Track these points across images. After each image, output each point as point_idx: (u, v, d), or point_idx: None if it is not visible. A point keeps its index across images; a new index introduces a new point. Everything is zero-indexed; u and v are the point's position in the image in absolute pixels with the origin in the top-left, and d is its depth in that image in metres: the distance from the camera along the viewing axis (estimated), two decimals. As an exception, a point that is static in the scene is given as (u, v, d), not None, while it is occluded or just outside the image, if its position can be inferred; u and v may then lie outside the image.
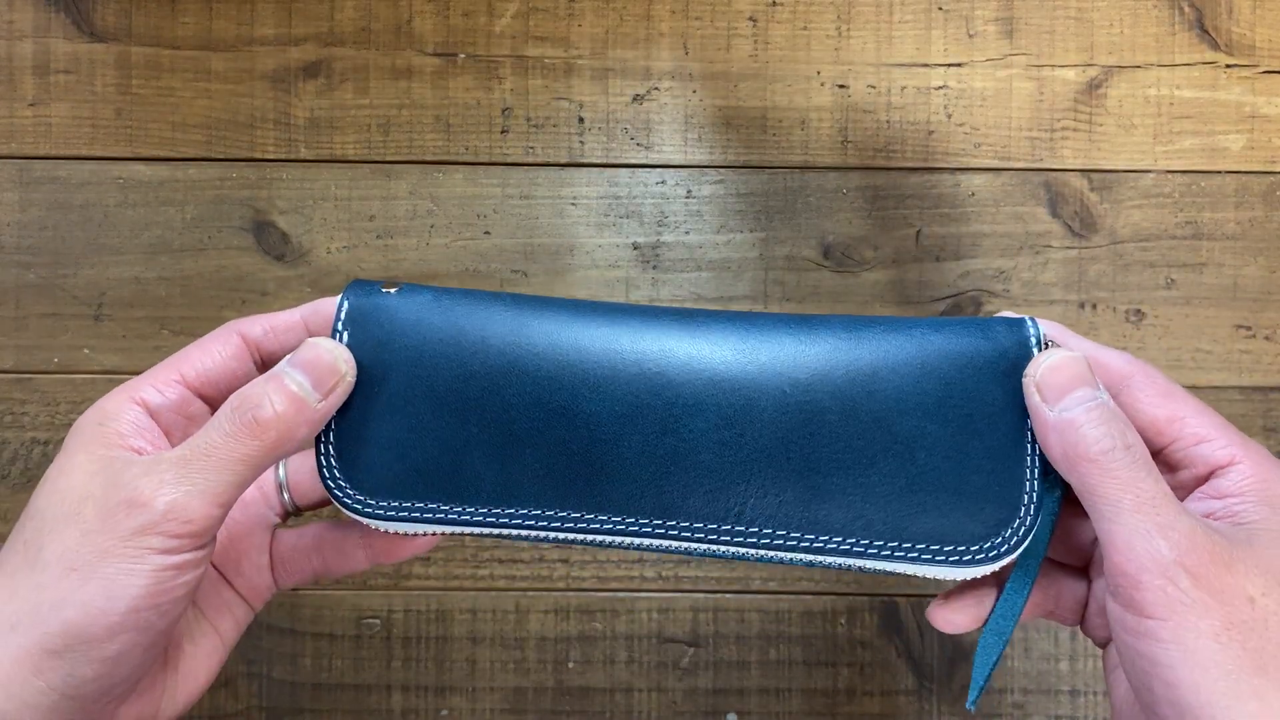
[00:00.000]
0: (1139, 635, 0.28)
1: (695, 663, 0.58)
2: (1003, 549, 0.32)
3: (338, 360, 0.33)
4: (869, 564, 0.33)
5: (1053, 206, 0.58)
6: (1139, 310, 0.58)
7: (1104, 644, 0.35)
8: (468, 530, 0.34)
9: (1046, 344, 0.33)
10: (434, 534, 0.35)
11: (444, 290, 0.35)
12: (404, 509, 0.33)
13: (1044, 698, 0.57)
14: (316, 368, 0.32)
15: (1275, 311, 0.58)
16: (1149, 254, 0.58)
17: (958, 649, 0.57)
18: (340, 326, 0.34)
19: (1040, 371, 0.32)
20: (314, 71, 0.59)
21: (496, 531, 0.34)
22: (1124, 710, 0.33)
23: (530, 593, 0.58)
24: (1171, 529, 0.28)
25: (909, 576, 0.33)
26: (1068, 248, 0.58)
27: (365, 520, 0.34)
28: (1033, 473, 0.32)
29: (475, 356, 0.33)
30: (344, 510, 0.34)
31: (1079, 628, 0.36)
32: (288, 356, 0.33)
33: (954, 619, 0.35)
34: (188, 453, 0.31)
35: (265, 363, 0.35)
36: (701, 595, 0.58)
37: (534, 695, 0.57)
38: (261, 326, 0.35)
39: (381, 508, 0.33)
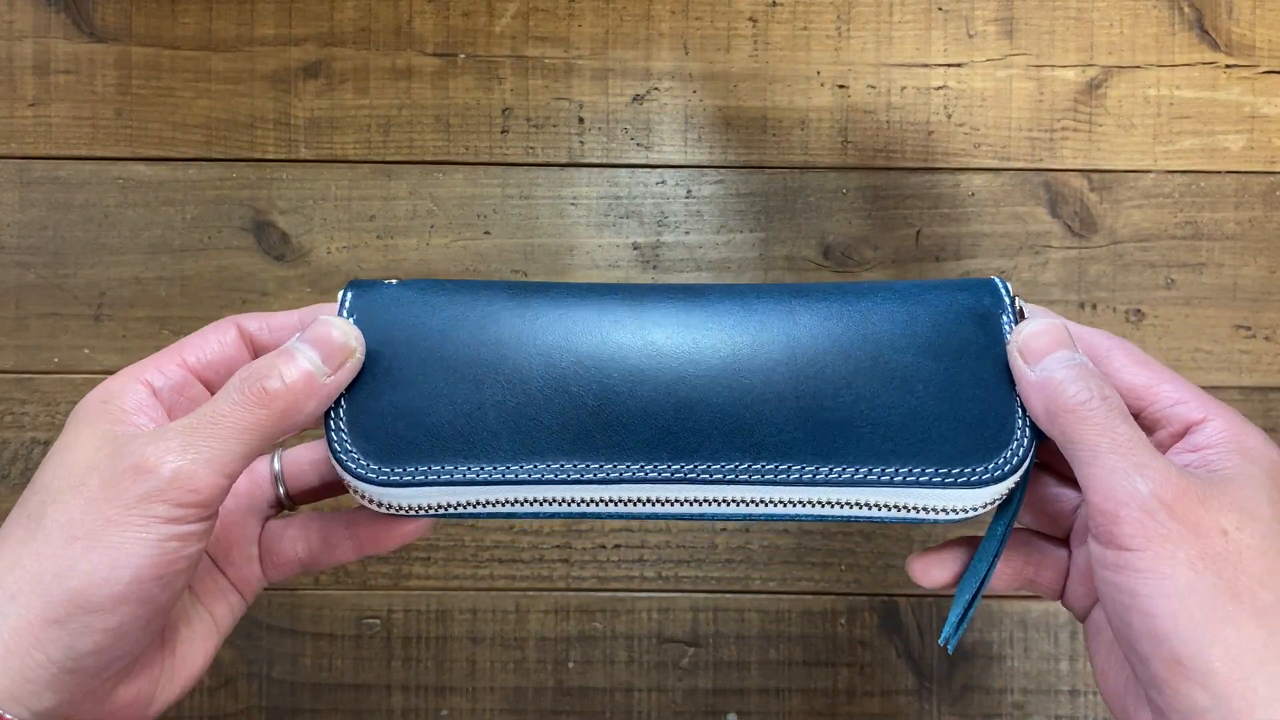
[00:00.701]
0: (1118, 569, 0.29)
1: (695, 663, 0.58)
2: (1005, 469, 0.33)
3: (349, 337, 0.33)
4: (881, 496, 0.34)
5: (1053, 206, 0.58)
6: (1139, 310, 0.58)
7: (1084, 616, 0.36)
8: (479, 495, 0.34)
9: (1016, 298, 0.35)
10: (435, 506, 0.34)
11: (445, 279, 0.37)
12: (420, 472, 0.33)
13: (1044, 698, 0.57)
14: (327, 343, 0.33)
15: (1275, 311, 0.58)
16: (1149, 254, 0.58)
17: (958, 648, 0.57)
18: (346, 314, 0.35)
19: (1023, 337, 0.33)
20: (314, 71, 0.59)
21: (511, 494, 0.34)
22: (1107, 672, 0.34)
23: (530, 593, 0.58)
24: (1147, 467, 0.29)
25: (916, 523, 0.34)
26: (1068, 248, 0.58)
27: (377, 490, 0.33)
28: (1021, 403, 0.34)
29: (484, 327, 0.34)
30: (353, 480, 0.33)
31: (1061, 603, 0.37)
32: (298, 334, 0.33)
33: (932, 572, 0.37)
34: (195, 421, 0.31)
35: (260, 354, 0.36)
36: (701, 595, 0.58)
37: (534, 695, 0.57)
38: (259, 323, 0.36)
39: (397, 474, 0.33)
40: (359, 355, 0.33)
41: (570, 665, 0.58)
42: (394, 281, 0.36)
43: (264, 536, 0.38)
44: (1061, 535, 0.37)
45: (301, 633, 0.57)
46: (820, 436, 0.33)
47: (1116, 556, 0.29)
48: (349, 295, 0.35)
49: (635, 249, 0.58)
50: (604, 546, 0.58)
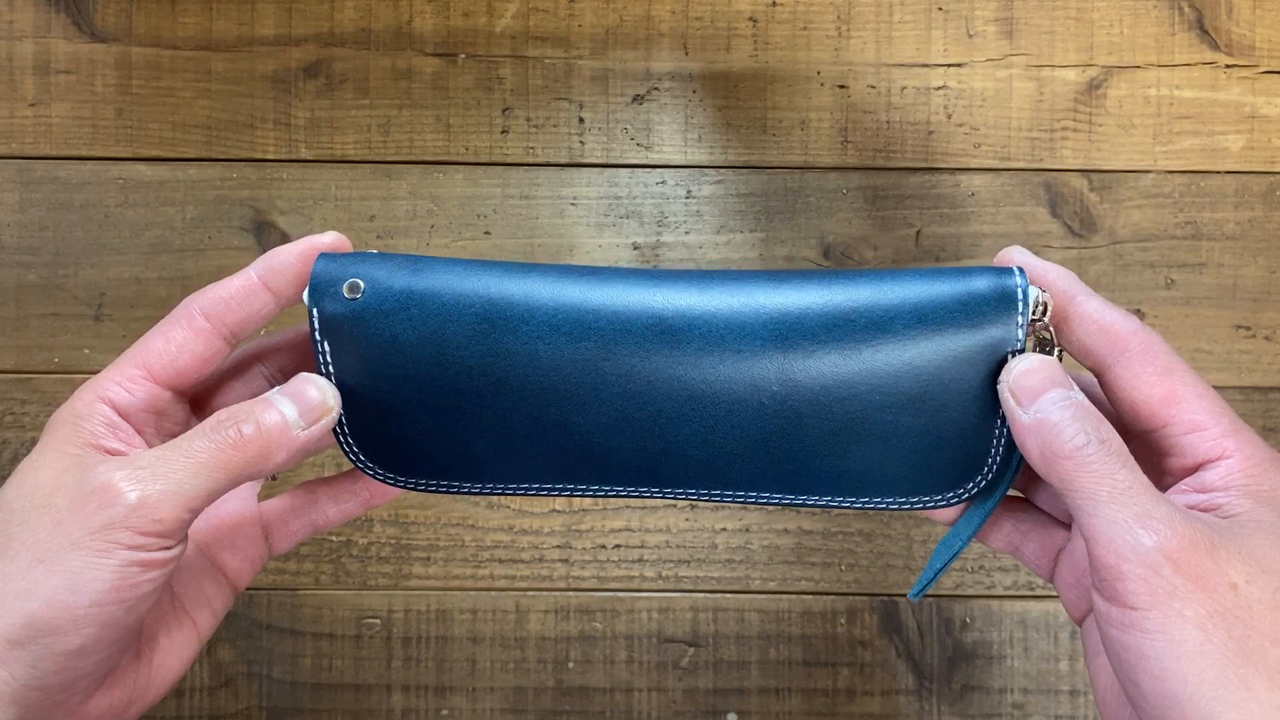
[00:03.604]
0: (1124, 628, 0.28)
1: (695, 663, 0.58)
2: (962, 496, 0.35)
3: (326, 397, 0.34)
4: (840, 508, 0.36)
5: (1053, 206, 0.58)
6: (1139, 310, 0.58)
7: (1080, 619, 0.35)
8: (494, 496, 0.37)
9: (1038, 304, 0.33)
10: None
11: (410, 292, 0.34)
12: (426, 483, 0.36)
13: (1044, 698, 0.57)
14: (305, 399, 0.33)
15: (1275, 311, 0.58)
16: (1149, 254, 0.58)
17: (958, 649, 0.57)
18: (319, 337, 0.34)
19: (1014, 377, 0.32)
20: (314, 72, 0.59)
21: (509, 493, 0.37)
22: (1108, 699, 0.33)
23: (530, 593, 0.58)
24: (1149, 517, 0.28)
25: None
26: (1067, 248, 0.58)
27: (392, 488, 0.37)
28: (998, 443, 0.34)
29: (460, 377, 0.34)
30: (380, 482, 0.37)
31: (1052, 584, 0.36)
32: (279, 387, 0.34)
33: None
34: (166, 453, 0.31)
35: (233, 335, 0.35)
36: (701, 595, 0.58)
37: (534, 695, 0.57)
38: (219, 297, 0.34)
39: (411, 482, 0.36)
40: (334, 414, 0.34)
41: (570, 665, 0.58)
42: (357, 296, 0.34)
43: (267, 514, 0.38)
44: (1060, 516, 0.36)
45: (301, 633, 0.57)
46: (788, 480, 0.35)
47: (1122, 615, 0.28)
48: (316, 313, 0.34)
49: (635, 249, 0.58)
50: (604, 546, 0.58)
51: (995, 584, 0.57)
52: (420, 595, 0.58)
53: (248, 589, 0.57)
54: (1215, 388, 0.60)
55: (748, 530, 0.58)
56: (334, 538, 0.58)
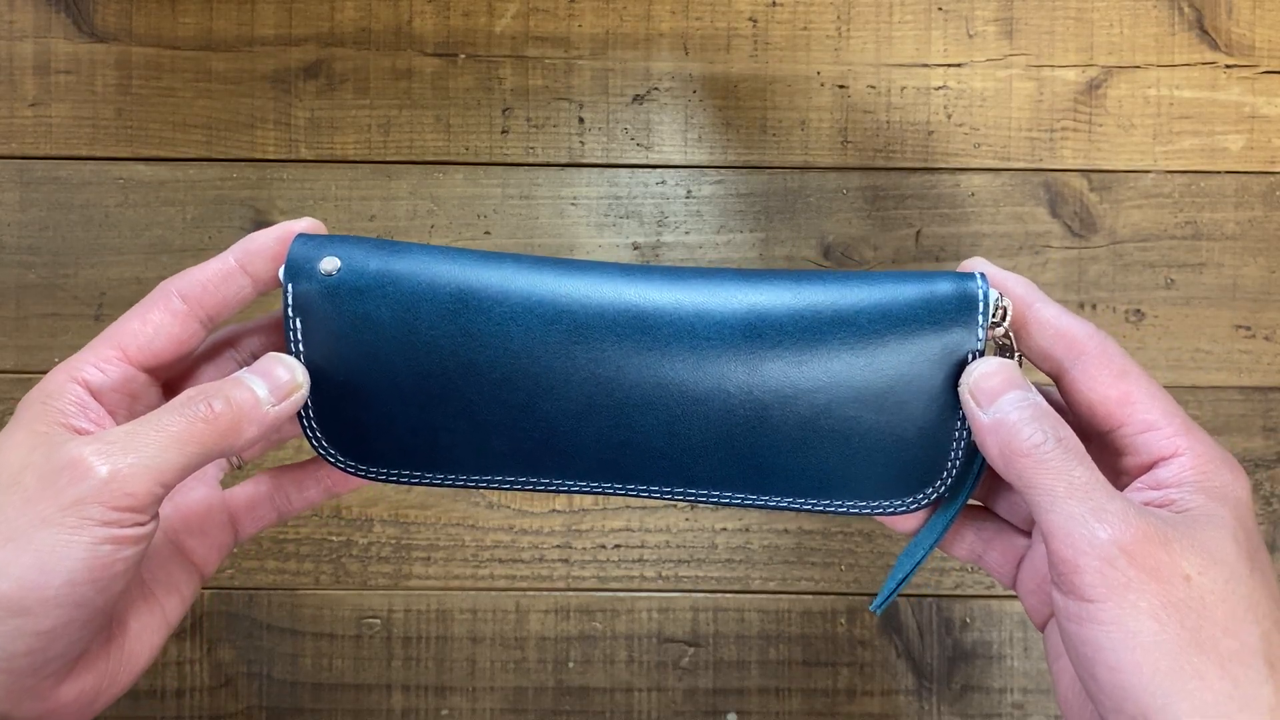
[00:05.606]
0: (1081, 621, 0.29)
1: (695, 662, 0.58)
2: (922, 502, 0.35)
3: (295, 374, 0.34)
4: (804, 509, 0.36)
5: (1052, 206, 0.58)
6: (1139, 310, 0.58)
7: (1042, 624, 0.36)
8: (443, 485, 0.37)
9: (998, 308, 0.34)
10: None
11: (386, 271, 0.35)
12: (393, 474, 0.36)
13: (1044, 698, 0.57)
14: (273, 377, 0.34)
15: (1275, 311, 0.58)
16: (1149, 254, 0.58)
17: (958, 649, 0.57)
18: (291, 314, 0.35)
19: (974, 379, 0.33)
20: (314, 72, 0.59)
21: (472, 486, 0.37)
22: (1070, 700, 0.33)
23: (530, 593, 0.58)
24: (1105, 511, 0.29)
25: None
26: (1067, 248, 0.58)
27: (355, 478, 0.37)
28: (958, 446, 0.34)
29: (430, 357, 0.35)
30: (334, 467, 0.36)
31: (1015, 592, 0.37)
32: (247, 367, 0.34)
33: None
34: (138, 427, 0.31)
35: (210, 318, 0.35)
36: (701, 595, 0.58)
37: (534, 695, 0.57)
38: (197, 280, 0.35)
39: (373, 472, 0.36)
40: (303, 391, 0.34)
41: (570, 665, 0.58)
42: (333, 272, 0.34)
43: (232, 500, 0.38)
44: (1020, 524, 0.37)
45: (301, 633, 0.57)
46: (751, 476, 0.35)
47: (1079, 608, 0.29)
48: (291, 289, 0.34)
49: (635, 249, 0.58)
50: (604, 546, 0.58)
51: (995, 584, 0.57)
52: (420, 595, 0.58)
53: (248, 589, 0.58)
54: (1215, 388, 0.60)
55: (748, 530, 0.58)
56: (334, 538, 0.58)
